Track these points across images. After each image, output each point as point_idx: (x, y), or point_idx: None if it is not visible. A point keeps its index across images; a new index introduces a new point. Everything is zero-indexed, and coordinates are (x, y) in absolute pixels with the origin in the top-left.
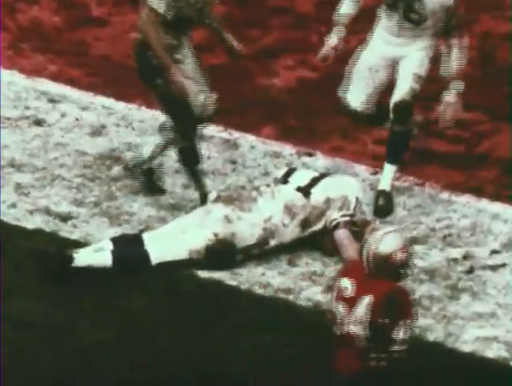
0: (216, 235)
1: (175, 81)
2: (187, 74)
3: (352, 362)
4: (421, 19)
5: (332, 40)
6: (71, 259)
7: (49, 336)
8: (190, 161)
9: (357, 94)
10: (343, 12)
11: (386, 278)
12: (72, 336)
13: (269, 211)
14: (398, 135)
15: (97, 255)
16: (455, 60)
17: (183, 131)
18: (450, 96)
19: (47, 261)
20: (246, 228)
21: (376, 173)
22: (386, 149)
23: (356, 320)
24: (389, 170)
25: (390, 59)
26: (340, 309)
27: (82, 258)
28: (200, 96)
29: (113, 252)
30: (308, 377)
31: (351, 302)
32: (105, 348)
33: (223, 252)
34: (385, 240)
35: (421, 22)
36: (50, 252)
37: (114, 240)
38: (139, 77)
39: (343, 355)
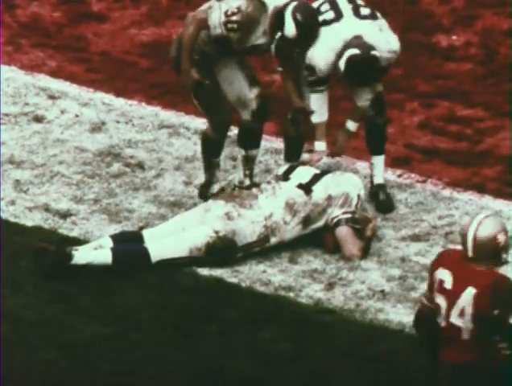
0: (216, 232)
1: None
2: (228, 79)
3: (457, 354)
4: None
5: (321, 145)
6: (70, 256)
7: (48, 334)
8: (211, 153)
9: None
10: (316, 122)
11: (486, 263)
12: (70, 334)
13: (270, 209)
14: (381, 126)
15: (96, 252)
16: (360, 101)
17: (215, 125)
18: (343, 129)
19: (47, 259)
20: (247, 226)
21: None
22: (372, 142)
23: (459, 313)
24: (380, 161)
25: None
26: (442, 301)
27: (81, 256)
28: (245, 98)
29: (113, 250)
30: (308, 375)
31: (452, 295)
32: (103, 345)
33: (223, 250)
34: (486, 223)
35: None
36: (49, 249)
37: (114, 238)
38: (174, 68)
39: (448, 347)
